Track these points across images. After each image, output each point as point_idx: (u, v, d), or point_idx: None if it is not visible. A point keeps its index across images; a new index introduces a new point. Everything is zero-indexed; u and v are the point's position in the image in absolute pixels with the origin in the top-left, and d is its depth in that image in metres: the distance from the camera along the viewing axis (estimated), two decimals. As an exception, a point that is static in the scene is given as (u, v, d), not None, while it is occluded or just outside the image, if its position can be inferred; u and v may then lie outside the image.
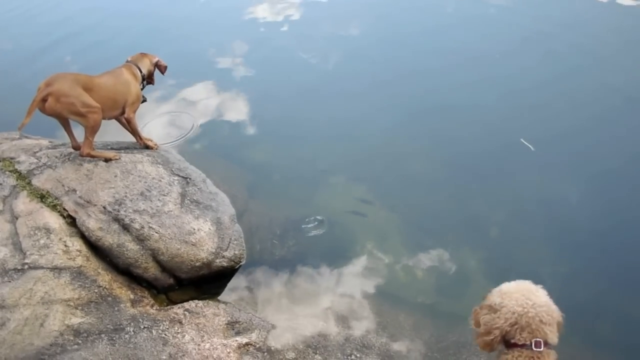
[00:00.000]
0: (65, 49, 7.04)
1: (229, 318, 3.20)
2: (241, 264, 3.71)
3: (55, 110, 3.46)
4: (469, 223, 4.13)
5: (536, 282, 3.70)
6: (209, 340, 3.00)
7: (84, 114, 3.52)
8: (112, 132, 4.39)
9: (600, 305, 3.49)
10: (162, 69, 4.14)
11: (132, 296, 3.29)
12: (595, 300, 3.52)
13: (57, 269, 3.17)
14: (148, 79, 4.07)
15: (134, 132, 4.06)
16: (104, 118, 3.72)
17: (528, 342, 1.91)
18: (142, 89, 3.97)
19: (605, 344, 3.27)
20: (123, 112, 3.86)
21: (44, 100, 3.41)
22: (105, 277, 3.28)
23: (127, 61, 3.97)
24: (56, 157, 3.89)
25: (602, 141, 4.83)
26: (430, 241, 3.99)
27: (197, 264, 3.47)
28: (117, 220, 3.47)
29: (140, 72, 3.94)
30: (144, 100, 4.06)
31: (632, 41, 6.41)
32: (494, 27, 7.08)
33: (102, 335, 2.94)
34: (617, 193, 4.30)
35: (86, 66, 5.46)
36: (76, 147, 3.86)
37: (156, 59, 4.10)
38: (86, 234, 3.43)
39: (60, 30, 7.59)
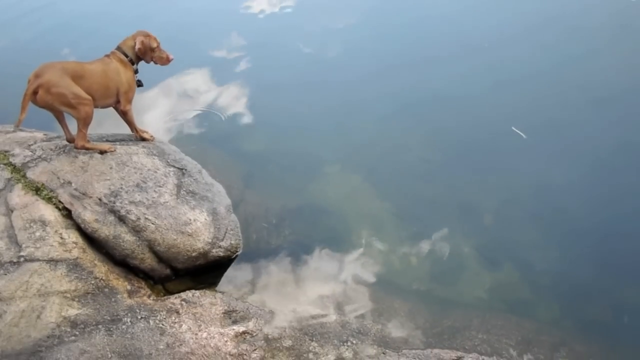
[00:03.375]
0: (58, 37, 6.96)
1: (225, 307, 3.22)
2: (238, 253, 3.72)
3: (47, 101, 3.44)
4: (462, 210, 4.15)
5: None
6: (206, 330, 3.03)
7: (74, 105, 3.49)
8: (107, 124, 4.38)
9: (592, 290, 3.53)
10: (140, 51, 3.77)
11: (128, 287, 3.30)
12: (587, 285, 3.56)
13: (53, 261, 3.18)
14: (144, 58, 3.85)
15: (130, 124, 4.03)
16: (98, 106, 3.69)
17: None
18: (135, 73, 3.85)
19: (597, 328, 3.31)
20: (118, 101, 3.82)
21: (35, 92, 3.39)
22: (101, 269, 3.29)
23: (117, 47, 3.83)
24: (51, 149, 3.88)
25: (594, 129, 4.84)
26: (425, 229, 4.01)
27: (194, 254, 3.48)
28: (113, 212, 3.47)
29: (127, 56, 3.79)
30: (141, 85, 3.89)
31: (624, 31, 6.40)
32: (486, 17, 7.06)
33: (99, 326, 2.96)
34: (609, 180, 4.32)
35: (79, 55, 5.40)
36: (70, 140, 3.85)
37: (138, 39, 3.77)
38: (82, 226, 3.43)
39: (52, 20, 7.51)
